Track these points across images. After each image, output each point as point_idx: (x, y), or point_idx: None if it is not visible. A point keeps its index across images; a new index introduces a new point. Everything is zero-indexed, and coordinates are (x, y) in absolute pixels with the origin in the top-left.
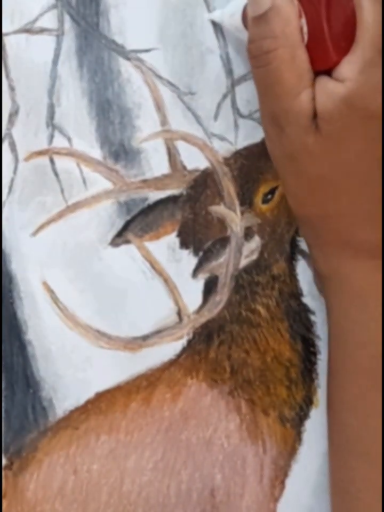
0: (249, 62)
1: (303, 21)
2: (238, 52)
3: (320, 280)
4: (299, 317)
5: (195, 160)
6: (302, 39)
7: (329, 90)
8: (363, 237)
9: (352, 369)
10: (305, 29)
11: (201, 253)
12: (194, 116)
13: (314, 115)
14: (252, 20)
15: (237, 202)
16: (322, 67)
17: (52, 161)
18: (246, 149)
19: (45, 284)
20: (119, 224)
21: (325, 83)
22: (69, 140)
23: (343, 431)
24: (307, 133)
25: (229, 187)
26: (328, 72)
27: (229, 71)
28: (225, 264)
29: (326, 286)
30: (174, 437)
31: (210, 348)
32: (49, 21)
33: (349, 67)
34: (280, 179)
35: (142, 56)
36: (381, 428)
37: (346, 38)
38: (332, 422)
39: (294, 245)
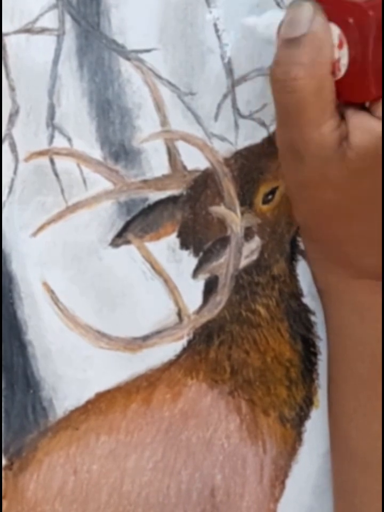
0: (271, 84)
1: (344, 51)
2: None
3: (318, 292)
4: (299, 317)
5: (195, 161)
6: (332, 71)
7: (368, 127)
8: (369, 262)
9: (351, 382)
10: (344, 61)
11: (201, 253)
12: (194, 116)
13: (338, 145)
14: (283, 41)
15: (237, 203)
16: (360, 100)
17: (52, 161)
18: (246, 149)
19: (45, 284)
20: (119, 224)
21: (362, 118)
22: (69, 140)
23: (344, 442)
24: (328, 163)
25: (229, 187)
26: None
27: (229, 71)
28: (226, 264)
29: (323, 299)
30: (174, 437)
31: (211, 348)
32: (50, 20)
33: None
34: (292, 204)
35: (143, 56)
36: (381, 440)
37: None
38: (333, 432)
39: (294, 245)
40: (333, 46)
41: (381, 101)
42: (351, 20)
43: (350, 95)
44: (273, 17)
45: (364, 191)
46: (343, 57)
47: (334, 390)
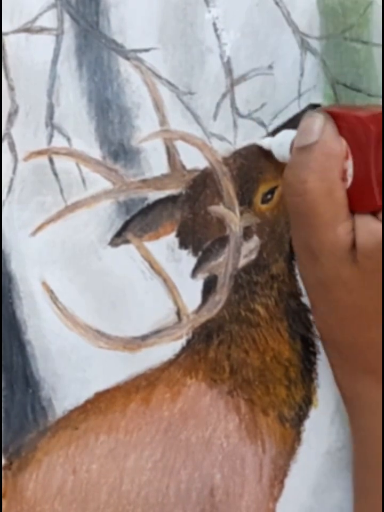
0: (283, 188)
1: (349, 162)
2: None
3: (342, 398)
4: (298, 317)
5: (194, 160)
6: (341, 177)
7: (372, 230)
8: None
9: (377, 483)
10: (350, 171)
11: (200, 253)
12: (193, 116)
13: (351, 247)
14: (296, 149)
15: (236, 202)
16: (366, 209)
17: (51, 161)
18: (245, 148)
19: (44, 284)
20: (119, 224)
21: (367, 222)
22: (68, 139)
23: None
24: (343, 264)
25: (228, 187)
26: None
27: (229, 71)
28: (224, 263)
29: (349, 407)
30: (174, 437)
31: (210, 348)
32: (49, 20)
33: None
34: (311, 305)
35: (142, 55)
36: None
37: None
38: None
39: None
40: (343, 153)
41: None
42: (354, 133)
43: (357, 205)
44: (284, 137)
45: (379, 294)
46: (349, 168)
47: (360, 492)
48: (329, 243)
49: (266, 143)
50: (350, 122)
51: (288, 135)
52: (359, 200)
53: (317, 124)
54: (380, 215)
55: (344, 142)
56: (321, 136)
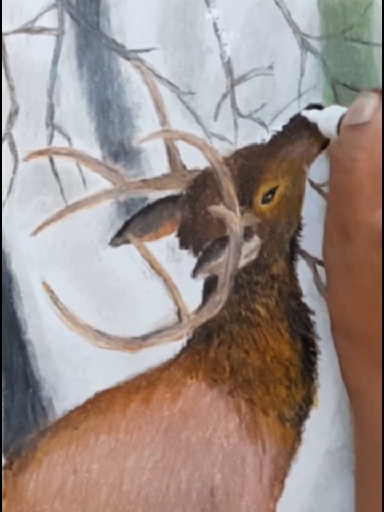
0: (330, 164)
1: None
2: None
3: (347, 391)
4: (299, 317)
5: (195, 160)
6: None
7: None
8: None
9: (379, 479)
10: None
11: (200, 253)
12: (194, 116)
13: None
14: (347, 126)
15: (236, 202)
16: None
17: (51, 161)
18: (246, 148)
19: (44, 284)
20: (119, 224)
21: None
22: (69, 139)
23: None
24: (375, 248)
25: (228, 187)
26: None
27: (229, 71)
28: (225, 263)
29: (354, 400)
30: (174, 437)
31: (210, 348)
32: (49, 20)
33: None
34: (328, 287)
35: (142, 55)
36: None
37: None
38: None
39: (293, 244)
40: None
41: None
42: None
43: None
44: (331, 111)
45: None
46: None
47: (362, 488)
48: (367, 225)
49: (312, 115)
50: None
51: (337, 110)
52: None
53: (371, 104)
54: None
55: None
56: (375, 116)
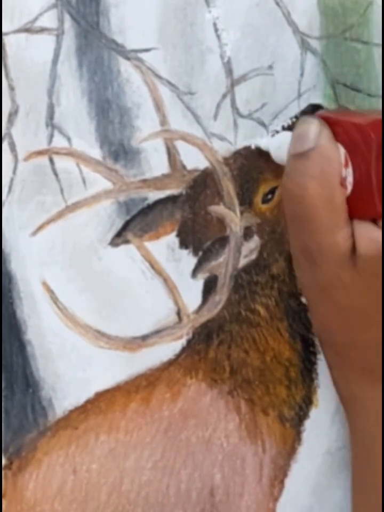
0: (282, 195)
1: (349, 170)
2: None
3: (340, 399)
4: (299, 317)
5: (195, 160)
6: (340, 183)
7: (373, 237)
8: None
9: (375, 484)
10: (350, 179)
11: (200, 253)
12: (193, 116)
13: (351, 252)
14: (292, 156)
15: (236, 202)
16: (366, 217)
17: (51, 161)
18: (246, 148)
19: (44, 284)
20: (119, 224)
21: (367, 229)
22: (69, 139)
23: None
24: (342, 268)
25: (228, 187)
26: None
27: (229, 71)
28: (225, 263)
29: (347, 408)
30: (174, 437)
31: (210, 348)
32: (49, 20)
33: None
34: (309, 308)
35: (142, 55)
36: None
37: None
38: None
39: None
40: (340, 159)
41: None
42: (354, 141)
43: (357, 212)
44: (282, 139)
45: (377, 295)
46: (349, 175)
47: (357, 491)
48: (329, 248)
49: (264, 144)
50: (347, 129)
51: (287, 137)
52: (359, 207)
53: (313, 130)
54: (380, 223)
55: (342, 149)
56: (318, 142)
